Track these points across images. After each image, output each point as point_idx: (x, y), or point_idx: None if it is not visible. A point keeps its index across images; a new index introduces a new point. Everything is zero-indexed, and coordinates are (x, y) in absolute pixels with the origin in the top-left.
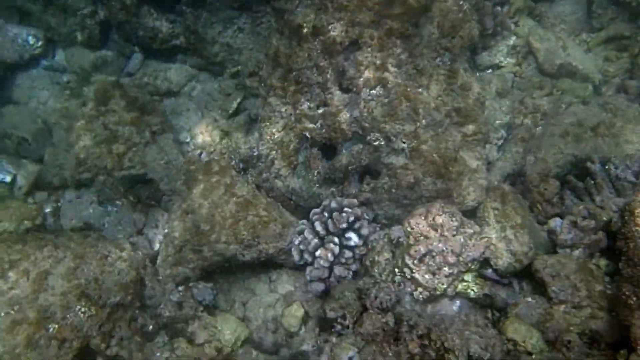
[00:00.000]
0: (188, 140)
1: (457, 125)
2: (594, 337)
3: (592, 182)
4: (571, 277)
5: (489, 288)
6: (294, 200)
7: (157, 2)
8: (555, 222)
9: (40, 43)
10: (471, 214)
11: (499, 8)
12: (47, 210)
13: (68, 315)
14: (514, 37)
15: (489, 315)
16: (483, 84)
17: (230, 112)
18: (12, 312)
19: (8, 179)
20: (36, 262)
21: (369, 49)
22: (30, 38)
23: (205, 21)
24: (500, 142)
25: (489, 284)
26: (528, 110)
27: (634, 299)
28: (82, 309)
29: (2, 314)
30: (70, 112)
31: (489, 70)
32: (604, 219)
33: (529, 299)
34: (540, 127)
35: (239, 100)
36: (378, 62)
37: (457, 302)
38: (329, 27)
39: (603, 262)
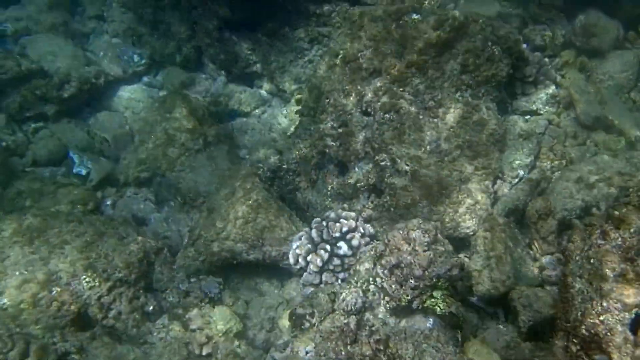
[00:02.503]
0: (247, 157)
1: (468, 157)
2: None
3: None
4: (543, 310)
5: (456, 308)
6: (310, 213)
7: (237, 29)
8: (545, 259)
9: (143, 61)
10: (467, 241)
11: (546, 59)
12: (108, 202)
13: (72, 282)
14: (554, 87)
15: (458, 336)
16: (508, 125)
17: (289, 134)
18: (26, 272)
19: (84, 172)
20: (59, 233)
21: (388, 77)
22: (135, 56)
23: (278, 51)
24: (515, 181)
25: (457, 304)
26: (556, 156)
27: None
28: (87, 279)
29: (17, 273)
30: (146, 123)
31: (527, 116)
32: None
33: (500, 326)
34: (558, 173)
35: (297, 123)
36: (395, 89)
37: (431, 320)
38: (359, 55)
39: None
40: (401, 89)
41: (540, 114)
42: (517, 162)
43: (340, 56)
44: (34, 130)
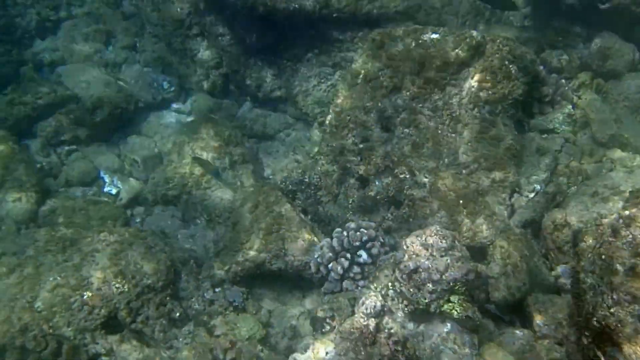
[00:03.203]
0: (271, 177)
1: (485, 170)
2: None
3: None
4: (558, 315)
5: (472, 312)
6: (331, 226)
7: (263, 56)
8: (561, 268)
9: (172, 88)
10: (484, 251)
11: (563, 80)
12: (137, 220)
13: (103, 288)
14: (570, 107)
15: (475, 340)
16: (525, 141)
17: (311, 155)
18: (59, 278)
19: (114, 191)
20: (91, 243)
21: (408, 93)
22: (165, 83)
23: (302, 76)
24: (532, 195)
25: (474, 308)
26: (573, 173)
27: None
28: (116, 285)
29: (51, 278)
30: (174, 144)
31: (544, 135)
32: None
33: (516, 331)
34: (574, 187)
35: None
36: (414, 105)
37: (448, 325)
38: (380, 73)
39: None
40: (420, 105)
41: (557, 133)
42: (534, 177)
43: (361, 75)
44: (67, 153)
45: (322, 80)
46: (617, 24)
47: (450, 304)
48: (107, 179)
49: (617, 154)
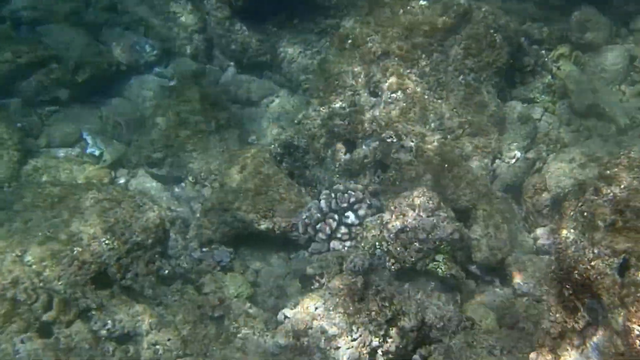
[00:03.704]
0: (255, 142)
1: (469, 136)
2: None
3: None
4: (537, 274)
5: (456, 270)
6: (318, 189)
7: (248, 19)
8: (540, 231)
9: (155, 52)
10: (466, 214)
11: (543, 52)
12: (121, 181)
13: (92, 244)
14: (550, 77)
15: (458, 298)
16: (508, 109)
17: (296, 122)
18: (48, 233)
19: (97, 152)
20: (79, 200)
21: (395, 58)
22: (147, 46)
23: (288, 42)
24: (512, 161)
25: (458, 267)
26: (551, 141)
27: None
28: (106, 241)
29: (40, 233)
30: (158, 108)
31: (525, 104)
32: None
33: (497, 289)
34: (553, 155)
35: (304, 112)
36: (402, 70)
37: (432, 283)
38: (368, 39)
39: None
40: (408, 71)
41: (537, 102)
42: (515, 144)
43: (349, 41)
44: (48, 113)
45: (308, 47)
46: None
47: (435, 263)
48: (89, 140)
49: (593, 123)
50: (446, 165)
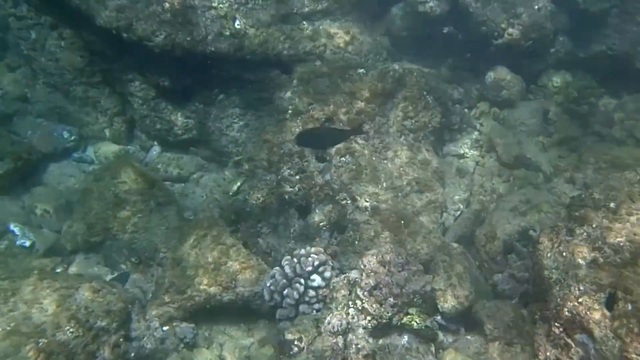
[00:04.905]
0: (192, 217)
1: (417, 192)
2: None
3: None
4: (505, 318)
5: (430, 321)
6: (273, 256)
7: (173, 99)
8: (497, 277)
9: (73, 137)
10: (426, 267)
11: (466, 110)
12: (58, 270)
13: (57, 333)
14: (477, 133)
15: (432, 348)
16: (445, 165)
17: (231, 193)
18: (8, 328)
19: (27, 243)
20: (34, 291)
21: (340, 124)
22: (64, 133)
23: (215, 117)
24: (457, 214)
25: (431, 319)
26: (487, 192)
27: (538, 313)
28: (71, 330)
29: (0, 329)
30: (90, 192)
31: (461, 160)
32: None
33: (468, 337)
34: (494, 205)
35: (239, 183)
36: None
37: (405, 337)
38: (309, 107)
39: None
40: (353, 135)
41: (467, 157)
42: (457, 197)
43: (290, 112)
44: None
45: (235, 121)
46: (507, 57)
47: (409, 316)
48: (17, 231)
49: (522, 173)
50: (402, 222)
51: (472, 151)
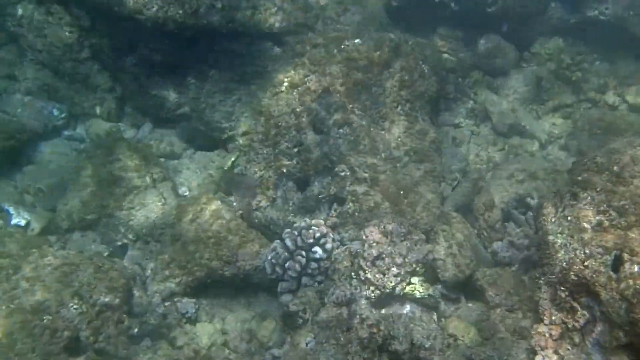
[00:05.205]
0: (187, 193)
1: (415, 162)
2: (523, 334)
3: (530, 214)
4: (506, 285)
5: (432, 290)
6: (272, 229)
7: (165, 74)
8: (497, 245)
9: (63, 115)
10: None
11: (460, 79)
12: (56, 248)
13: (61, 310)
14: (471, 102)
15: (434, 317)
16: (441, 134)
17: (226, 168)
18: (12, 305)
19: (23, 223)
20: (35, 269)
21: (338, 95)
22: (54, 110)
23: (207, 92)
24: (454, 183)
25: (434, 287)
26: (483, 161)
27: (542, 278)
28: (74, 306)
29: (4, 307)
30: (83, 169)
31: (457, 128)
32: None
33: (470, 304)
34: (491, 173)
35: (233, 158)
36: (346, 106)
37: (407, 306)
38: (305, 79)
39: (533, 274)
40: (351, 106)
41: (462, 127)
42: (453, 166)
43: (285, 84)
44: None
45: (228, 95)
46: (500, 25)
47: (412, 286)
48: (12, 210)
49: (517, 141)
50: (402, 192)
51: (467, 120)
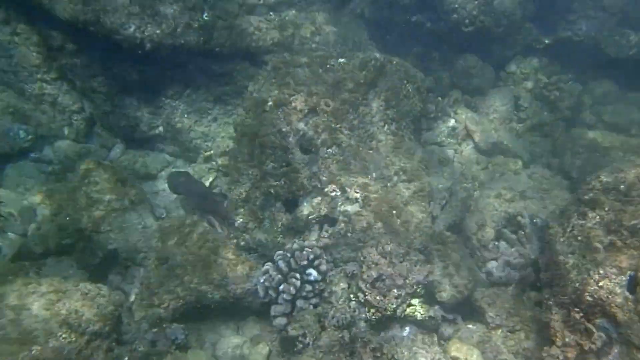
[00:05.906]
0: (164, 216)
1: (404, 182)
2: (527, 356)
3: (522, 232)
4: (505, 306)
5: (433, 312)
6: (260, 251)
7: (139, 94)
8: (491, 264)
9: (30, 137)
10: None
11: (440, 98)
12: (30, 274)
13: (50, 340)
14: (452, 121)
15: (435, 338)
16: (427, 153)
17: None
18: None
19: None
20: (20, 297)
21: (325, 115)
22: (20, 132)
23: (182, 112)
24: (443, 202)
25: (434, 309)
26: (468, 180)
27: (552, 299)
28: (63, 335)
29: None
30: (53, 193)
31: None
32: (532, 258)
33: (470, 325)
34: (478, 192)
35: (210, 179)
36: (333, 125)
37: (407, 329)
38: (291, 99)
39: (532, 294)
40: (339, 125)
41: (444, 145)
42: (440, 185)
43: (269, 103)
44: None
45: (203, 116)
46: (477, 44)
47: (412, 307)
48: None
49: (501, 159)
50: (394, 212)
51: (449, 139)
